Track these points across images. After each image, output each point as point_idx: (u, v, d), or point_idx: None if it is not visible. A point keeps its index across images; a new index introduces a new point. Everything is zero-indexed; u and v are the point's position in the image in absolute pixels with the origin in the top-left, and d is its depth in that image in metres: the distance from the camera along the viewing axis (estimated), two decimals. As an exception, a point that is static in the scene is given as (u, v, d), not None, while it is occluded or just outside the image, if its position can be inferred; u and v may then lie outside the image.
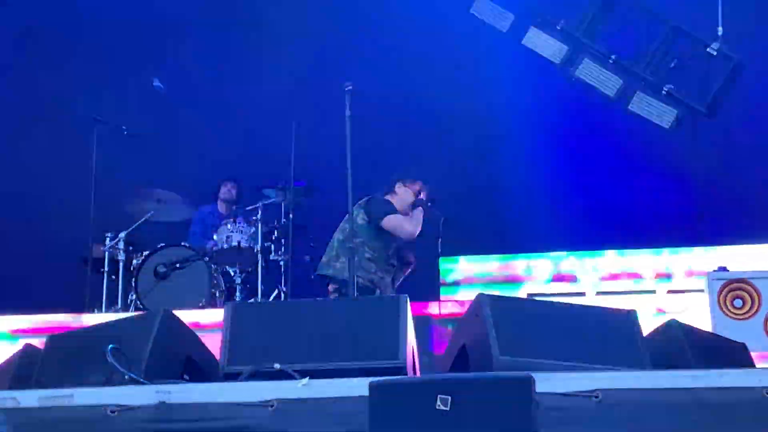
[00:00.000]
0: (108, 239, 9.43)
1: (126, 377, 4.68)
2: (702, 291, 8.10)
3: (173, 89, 10.40)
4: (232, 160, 10.62)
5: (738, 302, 7.69)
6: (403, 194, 8.46)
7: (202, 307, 8.77)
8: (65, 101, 10.74)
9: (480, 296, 5.24)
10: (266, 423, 4.24)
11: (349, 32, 11.09)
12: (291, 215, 9.50)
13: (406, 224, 8.40)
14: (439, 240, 8.67)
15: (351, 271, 7.83)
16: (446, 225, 8.74)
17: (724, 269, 8.04)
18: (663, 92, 8.92)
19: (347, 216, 8.00)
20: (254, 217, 9.57)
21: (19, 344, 6.56)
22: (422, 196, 8.62)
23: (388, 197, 8.54)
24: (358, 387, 4.08)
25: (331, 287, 8.43)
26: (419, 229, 8.51)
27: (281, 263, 9.60)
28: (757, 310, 7.64)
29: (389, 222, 8.26)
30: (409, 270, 9.07)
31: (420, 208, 8.54)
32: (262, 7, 11.19)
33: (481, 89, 10.59)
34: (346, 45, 11.03)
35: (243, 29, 11.25)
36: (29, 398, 4.47)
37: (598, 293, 9.48)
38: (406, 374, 4.94)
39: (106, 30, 11.14)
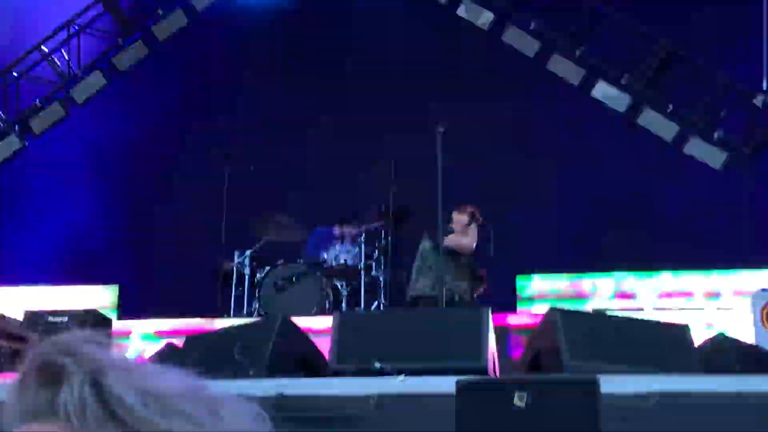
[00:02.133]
0: (236, 256, 9.77)
1: (250, 372, 4.99)
2: (746, 308, 8.11)
3: (293, 133, 10.77)
4: (338, 191, 10.63)
5: None
6: (457, 218, 8.92)
7: (314, 315, 8.89)
8: (204, 143, 10.89)
9: (552, 309, 5.61)
10: (368, 414, 4.42)
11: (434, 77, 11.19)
12: (390, 238, 9.72)
13: (463, 239, 8.99)
14: (491, 245, 9.16)
15: (439, 286, 8.37)
16: (499, 237, 9.18)
17: (766, 290, 8.11)
18: (716, 137, 9.16)
19: (421, 244, 8.91)
20: (359, 239, 9.78)
21: (162, 343, 6.96)
22: (476, 216, 9.07)
23: (449, 225, 8.95)
24: (447, 384, 4.21)
25: (421, 304, 8.94)
26: (475, 241, 9.05)
27: (380, 279, 9.79)
28: None
29: (449, 241, 8.80)
30: (483, 284, 9.24)
31: (473, 225, 9.04)
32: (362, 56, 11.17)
33: (555, 131, 10.61)
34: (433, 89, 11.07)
35: (342, 78, 11.13)
36: None
37: (655, 309, 9.46)
38: (488, 375, 5.10)
39: (233, 82, 11.29)
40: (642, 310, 9.56)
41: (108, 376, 0.85)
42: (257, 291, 9.59)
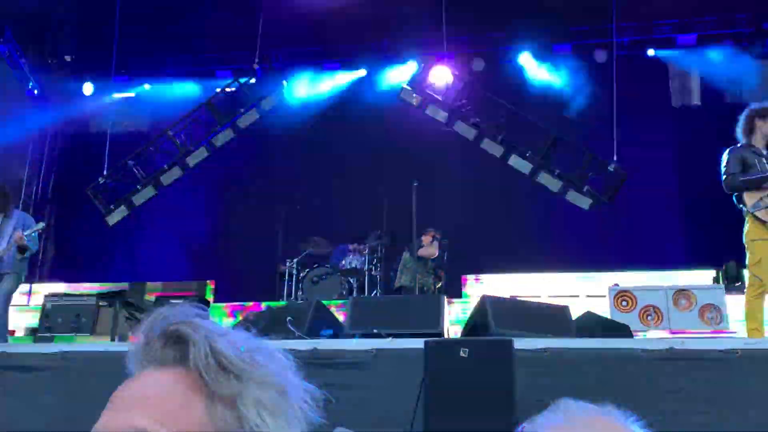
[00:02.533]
0: (288, 262, 10.45)
1: (297, 335, 5.16)
2: (605, 297, 8.58)
3: (322, 186, 11.31)
4: (352, 223, 11.00)
5: (624, 303, 8.49)
6: (425, 238, 9.64)
7: (336, 299, 9.57)
8: (268, 192, 11.56)
9: (484, 295, 5.66)
10: (369, 360, 4.61)
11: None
12: (384, 251, 10.41)
13: (428, 250, 9.65)
14: (445, 256, 9.58)
15: (414, 282, 8.99)
16: (452, 249, 9.64)
17: (617, 285, 8.72)
18: (584, 190, 9.79)
19: (403, 254, 9.54)
20: (365, 252, 10.42)
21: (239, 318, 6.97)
22: (436, 237, 9.72)
23: (420, 242, 9.35)
24: (418, 343, 4.35)
25: (403, 292, 9.53)
26: (436, 252, 9.53)
27: (377, 277, 10.38)
28: (634, 307, 8.41)
29: (421, 252, 9.49)
30: (441, 280, 9.82)
31: (435, 242, 9.69)
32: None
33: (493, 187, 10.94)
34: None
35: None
36: None
37: (550, 296, 9.81)
38: (444, 337, 5.36)
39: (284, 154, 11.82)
40: (540, 297, 9.76)
41: (217, 340, 0.91)
42: (301, 284, 10.16)
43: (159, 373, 0.92)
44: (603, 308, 8.35)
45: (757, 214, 5.53)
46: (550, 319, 5.39)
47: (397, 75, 11.83)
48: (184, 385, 0.90)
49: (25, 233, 6.87)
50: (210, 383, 0.90)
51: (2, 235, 6.93)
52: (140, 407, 0.88)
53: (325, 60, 12.16)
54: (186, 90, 12.32)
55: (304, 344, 4.76)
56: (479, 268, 10.80)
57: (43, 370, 4.96)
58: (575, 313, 5.70)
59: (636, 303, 8.49)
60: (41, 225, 7.15)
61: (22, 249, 6.91)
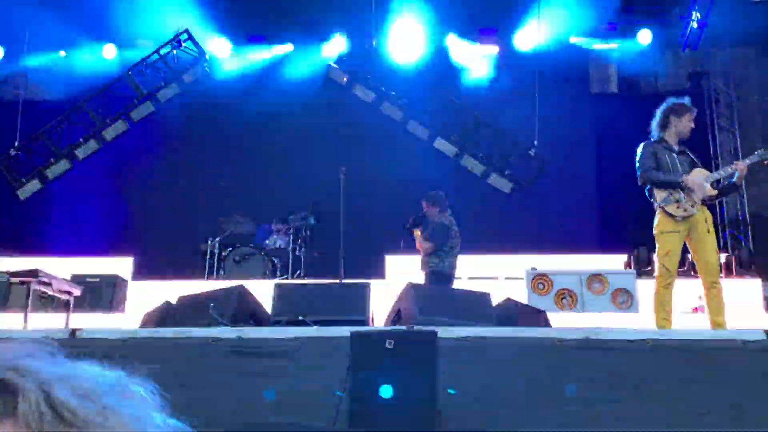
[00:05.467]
0: (209, 241, 10.25)
1: (220, 323, 5.05)
2: (522, 279, 8.79)
3: (247, 162, 11.10)
4: (278, 199, 10.96)
5: (540, 286, 8.73)
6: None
7: (259, 279, 9.21)
8: (191, 167, 11.40)
9: (409, 283, 5.70)
10: (294, 349, 4.50)
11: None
12: (308, 232, 10.36)
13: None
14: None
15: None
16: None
17: (534, 268, 8.90)
18: (506, 173, 10.17)
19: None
20: (290, 231, 10.32)
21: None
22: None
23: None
24: (344, 332, 4.36)
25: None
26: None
27: (301, 257, 10.26)
28: (550, 290, 8.67)
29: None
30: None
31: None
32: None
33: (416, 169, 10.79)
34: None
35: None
36: (167, 333, 4.75)
37: (470, 278, 9.47)
38: (368, 325, 5.40)
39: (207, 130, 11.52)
40: (460, 278, 9.18)
41: (54, 387, 0.79)
42: (223, 263, 10.01)
43: None
44: (520, 290, 8.54)
45: (667, 208, 5.76)
46: (473, 306, 5.46)
47: (326, 51, 11.74)
48: None
49: None
50: None
51: None
52: None
53: (251, 34, 11.90)
54: (104, 60, 11.80)
55: (228, 332, 4.71)
56: (401, 249, 10.52)
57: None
58: (496, 299, 5.80)
59: (552, 286, 8.73)
60: None
61: None
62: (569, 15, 11.36)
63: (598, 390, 4.24)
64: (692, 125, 5.95)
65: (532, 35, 11.02)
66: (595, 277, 8.54)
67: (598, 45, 11.75)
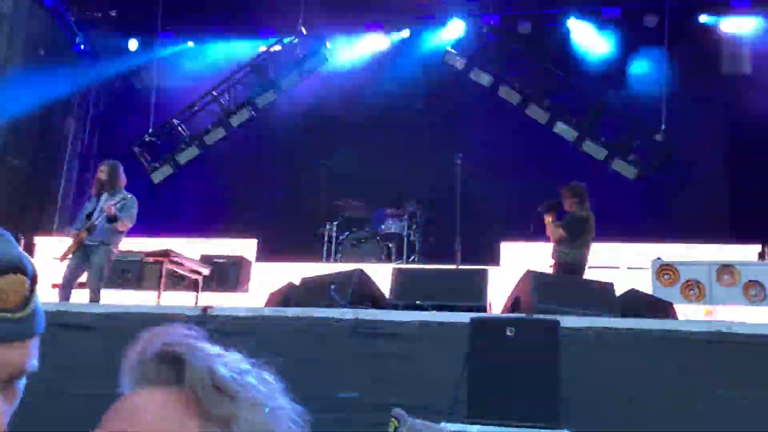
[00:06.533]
0: (327, 225, 10.58)
1: (340, 304, 5.18)
2: (647, 269, 8.52)
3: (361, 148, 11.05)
4: (393, 184, 10.99)
5: (666, 276, 8.43)
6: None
7: (374, 263, 9.45)
8: (306, 147, 11.48)
9: (528, 270, 5.66)
10: (411, 333, 4.62)
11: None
12: (422, 217, 10.29)
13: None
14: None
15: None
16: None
17: (660, 258, 8.63)
18: (630, 159, 9.75)
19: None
20: (405, 217, 10.38)
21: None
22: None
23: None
24: (463, 317, 4.42)
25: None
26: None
27: (415, 242, 10.43)
28: (676, 281, 8.36)
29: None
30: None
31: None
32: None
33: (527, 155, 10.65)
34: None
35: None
36: (291, 312, 4.92)
37: (590, 267, 8.75)
38: (486, 312, 5.40)
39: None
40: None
41: (214, 362, 0.90)
42: (340, 247, 10.38)
43: (152, 392, 0.91)
44: (645, 280, 8.26)
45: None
46: (595, 296, 5.37)
47: (442, 37, 11.67)
48: (178, 405, 0.89)
49: (113, 203, 7.01)
50: (205, 404, 0.89)
51: (101, 211, 7.07)
52: (133, 427, 0.87)
53: (368, 20, 11.99)
54: (229, 49, 12.28)
55: (347, 314, 4.81)
56: (519, 236, 10.37)
57: (95, 329, 5.13)
58: (619, 289, 5.64)
59: (678, 277, 8.41)
60: (128, 195, 7.29)
61: (111, 219, 7.04)
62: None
63: (732, 388, 4.07)
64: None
65: (659, 13, 10.58)
66: (726, 268, 8.18)
67: (729, 22, 11.06)
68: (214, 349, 0.94)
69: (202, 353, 0.92)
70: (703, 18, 11.28)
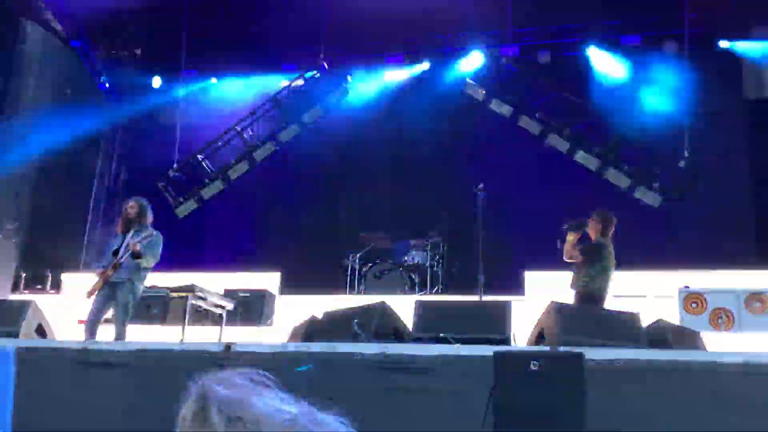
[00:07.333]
0: (350, 257, 10.53)
1: (364, 338, 5.15)
2: (674, 298, 8.49)
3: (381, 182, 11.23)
4: (416, 215, 11.00)
5: (694, 305, 8.43)
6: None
7: (398, 294, 9.42)
8: (329, 180, 11.75)
9: (552, 302, 5.56)
10: (436, 366, 4.57)
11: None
12: (444, 248, 10.42)
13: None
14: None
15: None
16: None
17: (687, 286, 8.66)
18: (654, 186, 9.69)
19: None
20: (428, 248, 10.38)
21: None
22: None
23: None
24: (486, 350, 4.40)
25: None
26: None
27: (438, 273, 10.25)
28: (704, 310, 8.39)
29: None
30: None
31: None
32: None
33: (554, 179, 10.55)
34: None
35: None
36: (315, 347, 4.94)
37: (614, 296, 8.52)
38: (509, 344, 5.31)
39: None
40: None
41: (241, 413, 0.91)
42: (363, 279, 10.32)
43: None
44: (672, 309, 8.25)
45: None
46: (621, 327, 5.28)
47: (461, 68, 11.75)
48: None
49: (139, 240, 7.05)
50: None
51: (127, 248, 7.11)
52: None
53: (388, 54, 12.10)
54: (251, 84, 12.45)
55: (372, 348, 4.82)
56: (542, 265, 10.20)
57: (120, 367, 5.14)
58: (645, 319, 5.57)
59: (706, 305, 8.40)
60: (155, 232, 7.32)
61: (136, 255, 7.05)
62: (718, 16, 10.80)
63: (762, 419, 3.98)
64: None
65: (679, 40, 10.61)
66: (755, 296, 8.17)
67: (750, 46, 11.04)
68: (273, 401, 0.97)
69: (228, 406, 0.94)
70: (724, 43, 11.24)
